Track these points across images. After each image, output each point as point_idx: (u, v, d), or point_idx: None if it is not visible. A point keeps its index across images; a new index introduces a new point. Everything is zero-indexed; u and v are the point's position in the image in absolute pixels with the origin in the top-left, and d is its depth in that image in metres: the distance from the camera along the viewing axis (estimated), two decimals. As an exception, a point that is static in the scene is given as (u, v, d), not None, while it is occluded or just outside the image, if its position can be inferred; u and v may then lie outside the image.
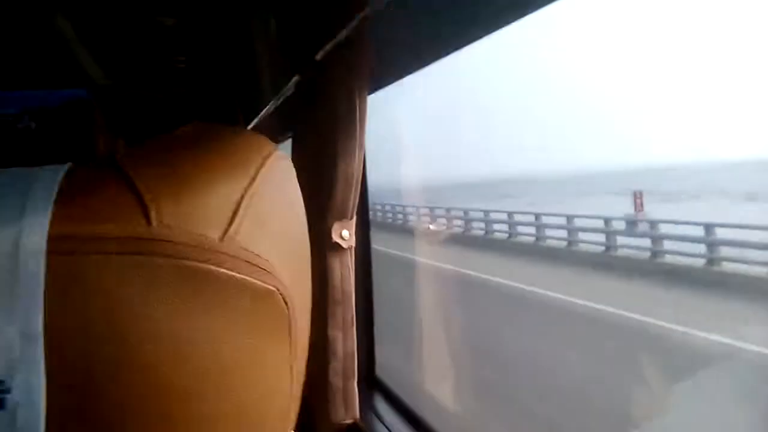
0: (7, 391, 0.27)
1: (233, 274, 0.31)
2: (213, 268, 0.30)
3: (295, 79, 1.33)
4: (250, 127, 2.30)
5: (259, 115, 1.58)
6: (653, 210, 11.08)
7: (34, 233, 0.28)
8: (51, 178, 0.31)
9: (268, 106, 1.49)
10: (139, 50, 1.35)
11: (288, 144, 1.48)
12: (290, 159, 0.40)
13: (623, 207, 11.39)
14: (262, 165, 0.35)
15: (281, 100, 1.39)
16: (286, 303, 0.34)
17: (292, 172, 0.41)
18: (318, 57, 1.23)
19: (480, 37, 1.09)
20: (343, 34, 1.11)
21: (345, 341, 1.35)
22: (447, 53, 1.21)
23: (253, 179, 0.34)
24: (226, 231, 0.31)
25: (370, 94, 1.30)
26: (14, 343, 0.27)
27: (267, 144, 0.38)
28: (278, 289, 0.34)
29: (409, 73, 1.37)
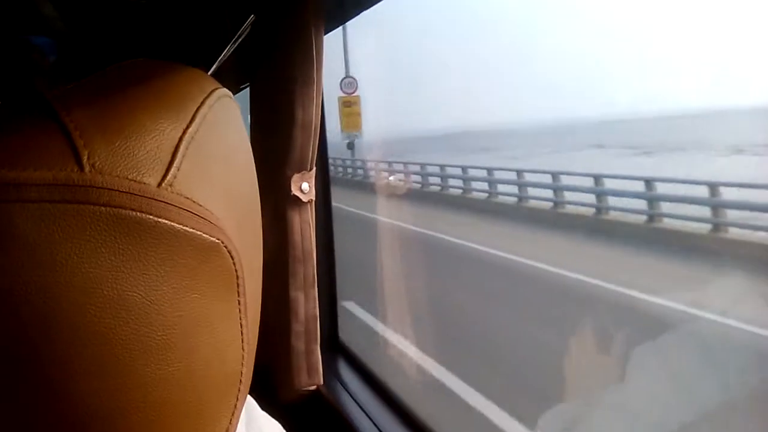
0: None
1: (173, 224, 0.29)
2: (151, 218, 0.28)
3: (251, 18, 1.21)
4: (209, 73, 2.16)
5: (218, 60, 1.48)
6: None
7: None
8: None
9: (225, 50, 1.39)
10: None
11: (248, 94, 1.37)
12: (233, 99, 0.37)
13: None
14: (202, 104, 0.33)
15: (238, 42, 1.29)
16: (232, 257, 0.32)
17: (237, 114, 0.37)
18: None
19: None
20: None
21: (307, 302, 1.26)
22: None
23: (192, 119, 0.31)
24: (164, 177, 0.29)
25: (326, 33, 1.19)
26: None
27: (208, 82, 0.35)
28: (223, 242, 0.31)
29: (365, 8, 1.27)
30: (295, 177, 1.19)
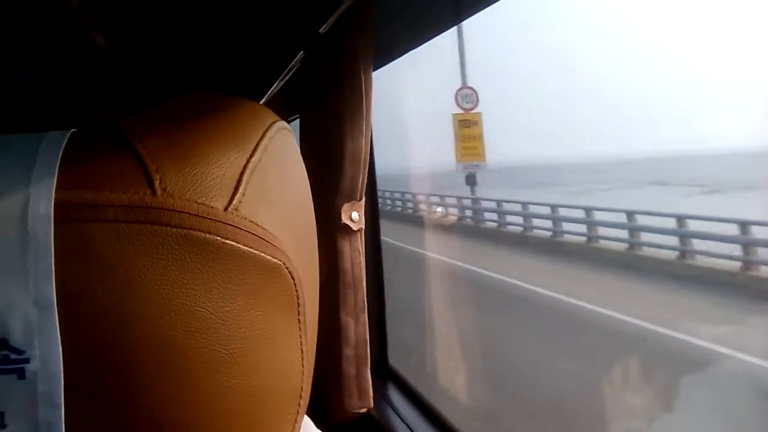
0: (26, 360, 0.27)
1: (239, 246, 0.30)
2: (218, 239, 0.30)
3: (300, 54, 1.29)
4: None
5: (267, 93, 1.56)
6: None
7: (42, 198, 0.27)
8: (56, 141, 0.30)
9: (275, 84, 1.46)
10: (145, 20, 1.32)
11: (297, 125, 1.45)
12: (290, 131, 0.39)
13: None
14: (263, 136, 0.34)
15: (288, 77, 1.36)
16: (293, 278, 0.33)
17: (294, 145, 0.39)
18: (322, 30, 1.19)
19: (483, 6, 1.04)
20: (345, 6, 1.07)
21: (357, 327, 1.30)
22: (450, 25, 1.16)
23: (255, 150, 0.33)
24: (230, 202, 0.31)
25: (375, 69, 1.26)
26: (30, 312, 0.27)
27: (268, 115, 0.37)
28: (284, 263, 0.33)
29: (413, 47, 1.33)
30: (345, 206, 1.24)
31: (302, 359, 0.36)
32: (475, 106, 10.67)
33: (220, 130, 0.33)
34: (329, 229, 1.25)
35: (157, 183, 0.29)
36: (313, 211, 0.41)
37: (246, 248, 0.31)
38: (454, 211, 15.02)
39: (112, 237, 0.28)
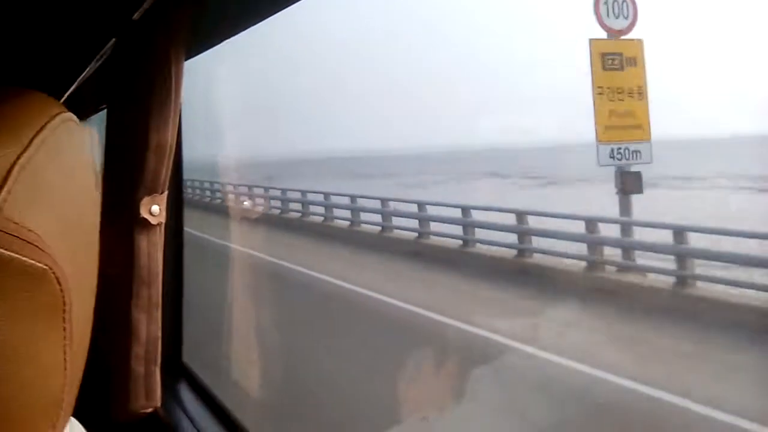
0: None
1: None
2: None
3: (112, 41, 1.21)
4: (65, 96, 2.07)
5: (76, 82, 1.43)
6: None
7: None
8: None
9: (84, 73, 1.35)
10: None
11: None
12: (78, 123, 0.38)
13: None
14: (42, 128, 0.32)
15: (99, 64, 1.26)
16: (60, 283, 0.32)
17: (83, 137, 0.38)
18: (136, 17, 1.13)
19: None
20: None
21: (149, 325, 1.25)
22: (266, 15, 1.14)
23: (29, 144, 0.31)
24: None
25: (187, 59, 1.22)
26: None
27: (51, 105, 0.35)
28: (51, 268, 0.31)
29: (228, 37, 1.30)
30: (146, 199, 1.19)
31: (65, 367, 0.34)
32: (632, 26, 6.13)
33: None
34: (127, 222, 1.19)
35: None
36: (98, 208, 0.40)
37: (5, 251, 0.29)
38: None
39: None
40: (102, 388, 1.22)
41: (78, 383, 0.37)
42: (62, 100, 2.53)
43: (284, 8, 1.07)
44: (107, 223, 1.29)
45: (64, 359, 0.34)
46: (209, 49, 1.31)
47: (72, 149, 0.36)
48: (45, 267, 0.31)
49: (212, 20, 1.21)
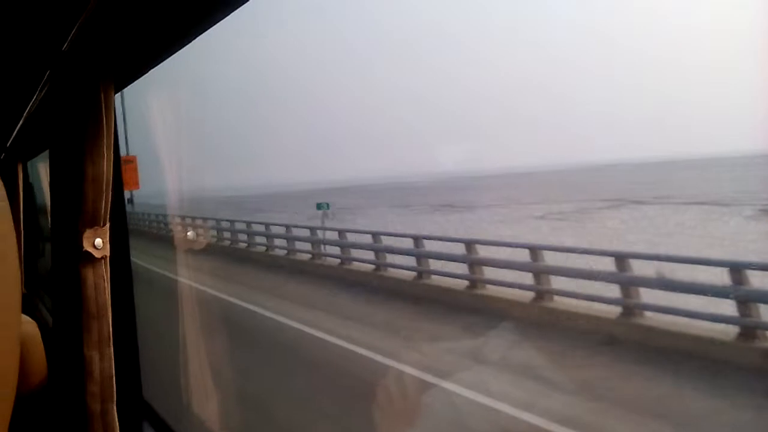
0: None
1: None
2: None
3: (47, 74, 1.19)
4: (12, 137, 2.02)
5: (21, 119, 1.40)
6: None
7: None
8: None
9: (28, 108, 1.32)
10: None
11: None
12: None
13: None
14: None
15: (39, 100, 1.24)
16: None
17: None
18: (65, 47, 1.12)
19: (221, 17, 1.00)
20: (81, 21, 1.03)
21: (102, 361, 1.22)
22: (192, 37, 1.13)
23: None
24: None
25: (118, 89, 1.21)
26: None
27: None
28: None
29: (157, 62, 1.29)
30: (88, 233, 1.17)
31: None
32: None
33: None
34: (73, 257, 1.17)
35: None
36: (14, 240, 0.39)
37: None
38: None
39: None
40: (60, 428, 1.19)
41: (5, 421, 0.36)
42: (10, 140, 2.48)
43: (208, 28, 1.07)
44: (56, 258, 1.26)
45: None
46: (140, 77, 1.30)
47: None
48: None
49: (139, 47, 1.20)
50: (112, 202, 1.21)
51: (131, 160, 14.01)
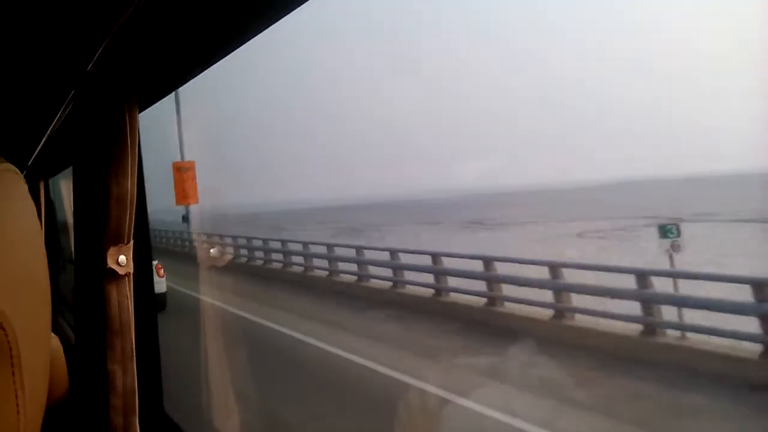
0: None
1: None
2: None
3: (72, 94, 1.23)
4: (34, 154, 2.06)
5: (44, 137, 1.43)
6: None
7: None
8: None
9: (51, 127, 1.36)
10: None
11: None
12: (18, 173, 0.38)
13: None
14: None
15: (64, 118, 1.28)
16: (4, 329, 0.32)
17: (19, 186, 0.38)
18: (90, 68, 1.16)
19: (249, 37, 1.03)
20: (107, 41, 1.06)
21: (125, 376, 1.25)
22: (214, 61, 1.16)
23: None
24: None
25: (143, 107, 1.24)
26: None
27: None
28: None
29: (178, 85, 1.32)
30: (112, 250, 1.20)
31: (18, 412, 0.34)
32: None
33: None
34: (96, 274, 1.20)
35: None
36: (43, 252, 0.39)
37: None
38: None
39: None
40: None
41: (37, 427, 0.37)
42: (32, 157, 2.54)
43: (234, 50, 1.09)
44: (79, 275, 1.28)
45: (17, 405, 0.34)
46: (164, 97, 1.34)
47: (10, 199, 0.36)
48: None
49: (163, 68, 1.23)
50: (135, 220, 1.24)
51: (189, 167, 11.17)
